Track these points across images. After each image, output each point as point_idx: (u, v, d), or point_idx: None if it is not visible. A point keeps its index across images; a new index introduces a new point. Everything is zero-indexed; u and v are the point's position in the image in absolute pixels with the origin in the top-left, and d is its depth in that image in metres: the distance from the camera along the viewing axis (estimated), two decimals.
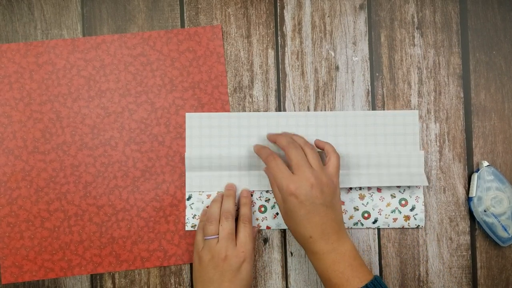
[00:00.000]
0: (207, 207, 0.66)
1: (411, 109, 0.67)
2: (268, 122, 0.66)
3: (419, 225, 0.66)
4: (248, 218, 0.62)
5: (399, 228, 0.66)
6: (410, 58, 0.68)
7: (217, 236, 0.60)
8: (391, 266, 0.66)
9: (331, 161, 0.60)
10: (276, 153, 0.61)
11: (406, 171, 0.65)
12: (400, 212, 0.66)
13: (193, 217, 0.66)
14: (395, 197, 0.66)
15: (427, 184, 0.64)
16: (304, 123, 0.66)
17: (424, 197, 0.67)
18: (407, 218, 0.66)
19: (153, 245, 0.66)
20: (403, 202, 0.66)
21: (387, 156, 0.65)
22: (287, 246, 0.67)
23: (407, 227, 0.66)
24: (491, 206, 0.64)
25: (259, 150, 0.63)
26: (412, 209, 0.66)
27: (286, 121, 0.66)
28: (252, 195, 0.66)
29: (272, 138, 0.64)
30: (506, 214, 0.64)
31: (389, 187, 0.66)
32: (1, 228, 0.66)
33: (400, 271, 0.66)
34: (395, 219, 0.66)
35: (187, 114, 0.67)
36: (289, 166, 0.59)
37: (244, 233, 0.61)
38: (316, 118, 0.66)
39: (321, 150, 0.64)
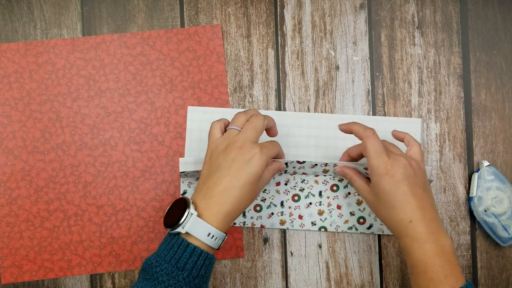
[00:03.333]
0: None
1: (411, 109, 0.67)
2: None
3: None
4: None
5: (391, 235, 0.66)
6: (411, 57, 0.68)
7: (240, 129, 0.56)
8: (391, 266, 0.66)
9: (413, 149, 0.57)
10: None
11: None
12: None
13: None
14: None
15: (433, 180, 0.63)
16: (305, 125, 0.66)
17: None
18: None
19: (153, 245, 0.66)
20: None
21: None
22: (287, 246, 0.66)
23: None
24: (492, 206, 0.64)
25: (351, 125, 0.59)
26: None
27: (288, 120, 0.66)
28: None
29: (346, 127, 0.60)
30: (506, 214, 0.64)
31: None
32: (1, 228, 0.66)
33: (400, 271, 0.66)
34: None
35: (189, 108, 0.67)
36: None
37: (272, 142, 0.57)
38: (319, 120, 0.66)
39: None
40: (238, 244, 0.66)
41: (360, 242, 0.66)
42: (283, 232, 0.67)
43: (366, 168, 0.60)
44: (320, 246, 0.66)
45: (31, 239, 0.65)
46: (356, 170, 0.60)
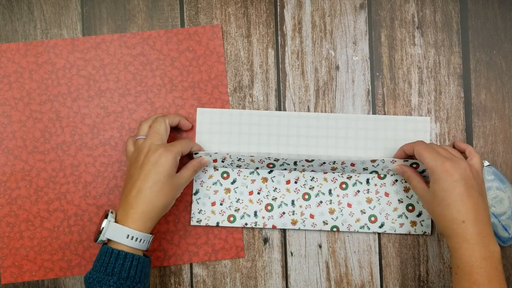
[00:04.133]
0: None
1: (411, 109, 0.67)
2: (270, 121, 0.66)
3: (425, 232, 0.65)
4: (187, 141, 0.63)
5: (405, 234, 0.66)
6: (411, 57, 0.68)
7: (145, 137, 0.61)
8: (391, 266, 0.66)
9: (473, 160, 0.60)
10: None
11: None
12: (407, 218, 0.65)
13: (199, 212, 0.66)
14: (402, 202, 0.65)
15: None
16: (305, 124, 0.66)
17: None
18: (413, 223, 0.65)
19: (153, 245, 0.66)
20: (410, 207, 0.65)
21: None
22: (287, 246, 0.66)
23: (414, 233, 0.65)
24: (492, 206, 0.64)
25: (401, 147, 0.63)
26: (419, 214, 0.65)
27: (290, 120, 0.66)
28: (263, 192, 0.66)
29: (409, 147, 0.62)
30: (506, 214, 0.64)
31: (396, 192, 0.65)
32: (1, 228, 0.66)
33: (400, 271, 0.66)
34: (401, 224, 0.65)
35: (198, 110, 0.67)
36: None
37: (180, 140, 0.61)
38: (327, 120, 0.66)
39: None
40: (238, 244, 0.66)
41: (360, 242, 0.66)
42: (283, 232, 0.67)
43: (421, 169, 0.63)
44: (320, 246, 0.66)
45: (31, 239, 0.65)
46: (414, 169, 0.62)
